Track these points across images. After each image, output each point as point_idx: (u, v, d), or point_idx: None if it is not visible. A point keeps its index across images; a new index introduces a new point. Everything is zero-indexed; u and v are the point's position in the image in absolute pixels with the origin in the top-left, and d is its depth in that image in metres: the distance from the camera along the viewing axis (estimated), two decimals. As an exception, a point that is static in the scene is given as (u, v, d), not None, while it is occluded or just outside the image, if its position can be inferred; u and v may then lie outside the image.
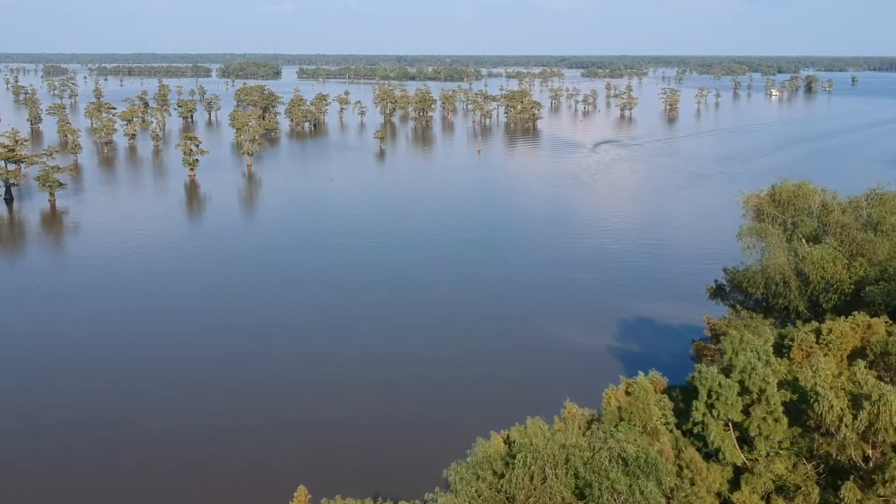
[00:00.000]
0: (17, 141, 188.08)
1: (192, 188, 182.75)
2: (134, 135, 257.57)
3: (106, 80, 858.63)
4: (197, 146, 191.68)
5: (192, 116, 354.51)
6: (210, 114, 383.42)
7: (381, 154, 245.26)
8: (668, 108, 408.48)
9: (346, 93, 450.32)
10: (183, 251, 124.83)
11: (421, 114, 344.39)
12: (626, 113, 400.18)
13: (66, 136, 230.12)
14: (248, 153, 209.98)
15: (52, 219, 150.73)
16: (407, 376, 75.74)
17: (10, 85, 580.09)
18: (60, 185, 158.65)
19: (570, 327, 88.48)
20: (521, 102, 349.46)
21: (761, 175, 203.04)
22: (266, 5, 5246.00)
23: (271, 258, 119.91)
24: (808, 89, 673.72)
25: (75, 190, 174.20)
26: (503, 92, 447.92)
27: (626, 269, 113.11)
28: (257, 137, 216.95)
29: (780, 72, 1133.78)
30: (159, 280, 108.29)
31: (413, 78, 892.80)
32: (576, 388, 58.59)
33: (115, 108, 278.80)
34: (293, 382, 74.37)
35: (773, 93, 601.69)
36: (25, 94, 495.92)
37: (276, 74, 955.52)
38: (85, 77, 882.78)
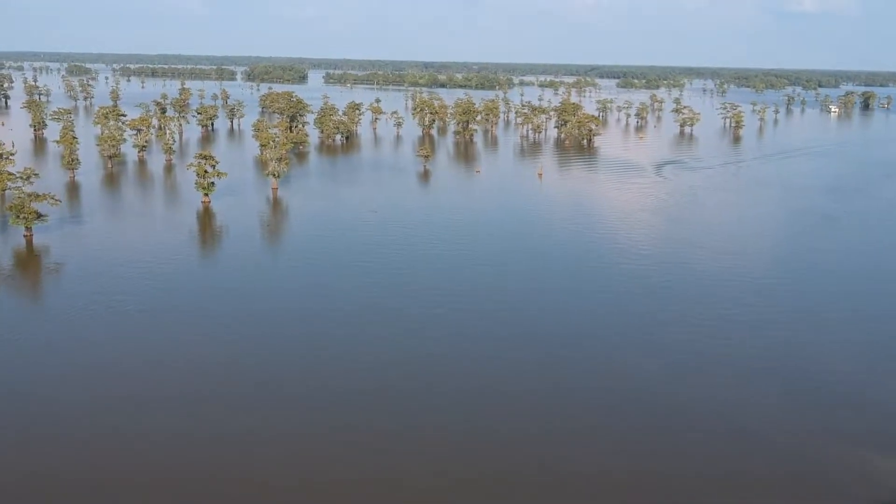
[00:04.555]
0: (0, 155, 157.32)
1: (205, 218, 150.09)
2: (144, 146, 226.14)
3: (128, 80, 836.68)
4: (213, 167, 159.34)
5: (212, 124, 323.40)
6: (232, 122, 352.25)
7: (426, 175, 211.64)
8: (734, 125, 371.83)
9: (378, 100, 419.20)
10: (184, 314, 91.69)
11: (464, 127, 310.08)
12: (687, 129, 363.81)
13: (66, 146, 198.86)
14: (274, 174, 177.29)
15: (27, 261, 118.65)
16: None
17: (26, 84, 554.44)
18: (39, 216, 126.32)
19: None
20: (575, 115, 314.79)
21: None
22: (292, 9, 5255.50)
23: (299, 331, 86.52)
24: (866, 106, 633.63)
25: (66, 218, 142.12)
26: (550, 103, 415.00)
27: (840, 392, 77.26)
28: (284, 154, 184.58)
29: (820, 86, 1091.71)
30: (141, 364, 75.24)
31: (443, 85, 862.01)
32: None
33: (124, 115, 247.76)
34: None
35: (832, 109, 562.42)
36: (39, 94, 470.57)
37: (302, 79, 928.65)
38: (107, 77, 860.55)
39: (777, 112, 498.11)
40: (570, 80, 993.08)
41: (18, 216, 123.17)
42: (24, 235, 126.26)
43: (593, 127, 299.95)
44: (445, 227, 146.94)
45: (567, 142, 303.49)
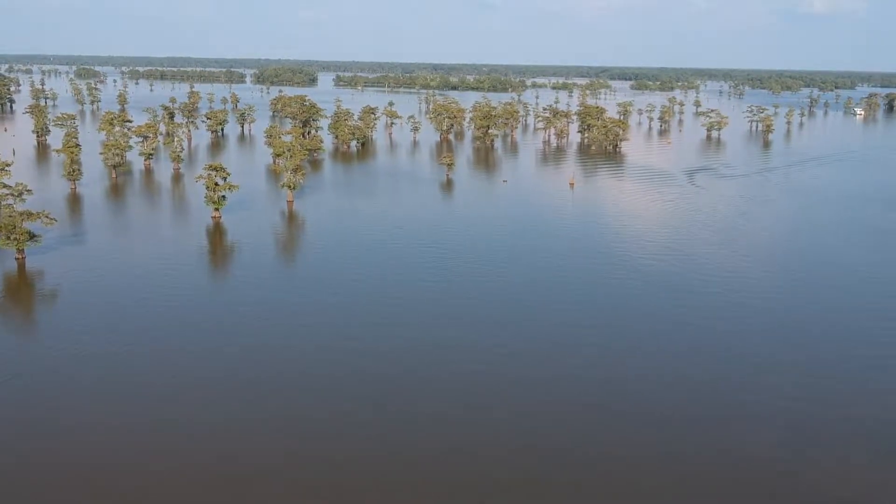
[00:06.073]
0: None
1: (215, 236, 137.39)
2: (151, 154, 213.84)
3: (137, 84, 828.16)
4: (224, 179, 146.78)
5: (222, 130, 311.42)
6: (243, 127, 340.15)
7: (449, 185, 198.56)
8: (764, 129, 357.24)
9: (391, 103, 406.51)
10: (190, 357, 78.95)
11: (484, 132, 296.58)
12: (714, 134, 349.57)
13: (67, 155, 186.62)
14: (289, 186, 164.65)
15: (18, 287, 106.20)
16: None
17: (32, 88, 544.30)
18: (32, 237, 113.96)
19: None
20: (599, 120, 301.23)
21: None
22: (300, 11, 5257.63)
23: (326, 387, 73.74)
24: (890, 108, 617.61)
25: (65, 237, 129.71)
26: (568, 106, 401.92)
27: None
28: (300, 164, 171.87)
29: (836, 87, 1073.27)
30: (134, 415, 62.51)
31: (455, 87, 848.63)
32: None
33: (130, 121, 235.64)
34: None
35: (858, 111, 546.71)
36: (45, 98, 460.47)
37: (313, 81, 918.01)
38: (115, 81, 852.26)
39: (802, 115, 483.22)
40: (582, 81, 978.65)
41: (9, 238, 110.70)
42: (16, 258, 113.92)
43: (620, 132, 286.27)
44: (484, 256, 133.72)
45: (593, 147, 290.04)
